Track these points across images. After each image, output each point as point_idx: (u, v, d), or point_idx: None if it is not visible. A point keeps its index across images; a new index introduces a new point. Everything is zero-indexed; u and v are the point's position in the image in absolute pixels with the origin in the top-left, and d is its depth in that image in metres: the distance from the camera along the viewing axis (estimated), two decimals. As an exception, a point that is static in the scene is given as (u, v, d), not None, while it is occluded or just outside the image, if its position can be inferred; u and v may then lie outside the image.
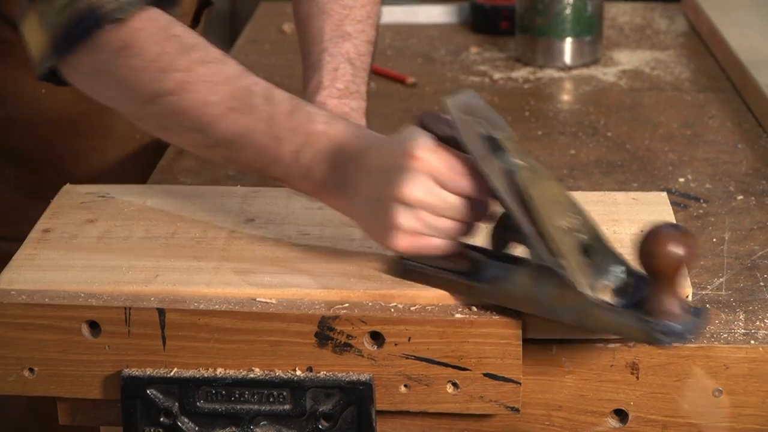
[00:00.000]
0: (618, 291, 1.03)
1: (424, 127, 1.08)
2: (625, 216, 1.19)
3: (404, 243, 1.07)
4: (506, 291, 1.06)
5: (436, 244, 1.08)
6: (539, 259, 1.04)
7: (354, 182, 1.10)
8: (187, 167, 1.47)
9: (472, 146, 1.06)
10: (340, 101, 1.29)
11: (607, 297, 1.03)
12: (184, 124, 1.15)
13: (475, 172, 1.06)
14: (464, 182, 1.06)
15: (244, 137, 1.12)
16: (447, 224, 1.07)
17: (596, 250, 1.05)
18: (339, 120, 1.13)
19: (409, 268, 1.11)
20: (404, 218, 1.06)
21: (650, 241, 0.98)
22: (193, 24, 1.63)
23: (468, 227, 1.08)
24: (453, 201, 1.06)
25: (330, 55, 1.32)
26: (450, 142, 1.07)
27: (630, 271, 1.04)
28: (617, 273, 1.04)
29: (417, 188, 1.05)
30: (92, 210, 1.23)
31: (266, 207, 1.24)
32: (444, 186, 1.06)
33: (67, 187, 1.28)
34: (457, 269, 1.09)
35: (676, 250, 0.97)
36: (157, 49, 1.14)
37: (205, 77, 1.13)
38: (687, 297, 1.08)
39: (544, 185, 1.06)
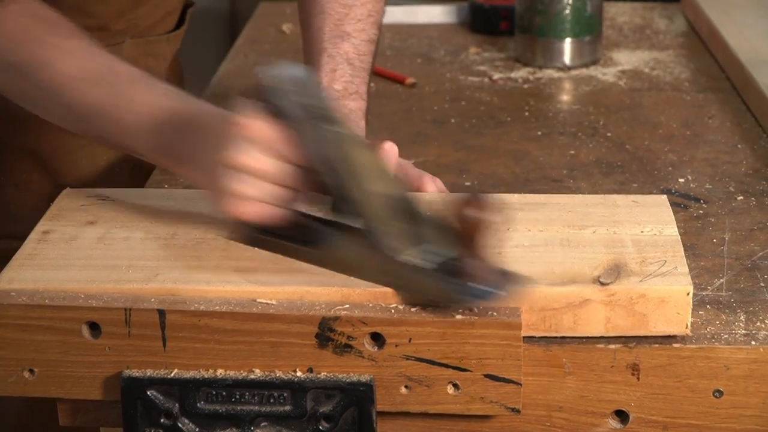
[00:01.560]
0: (436, 256, 1.06)
1: (256, 98, 1.11)
2: (625, 218, 1.19)
3: (235, 208, 1.10)
4: (335, 257, 1.09)
5: (267, 210, 1.10)
6: (357, 223, 1.07)
7: (193, 151, 1.14)
8: (186, 167, 1.46)
9: (294, 116, 1.09)
10: (339, 102, 1.29)
11: (424, 261, 1.06)
12: (37, 95, 1.22)
13: (299, 140, 1.09)
14: (289, 150, 1.09)
15: (93, 108, 1.19)
16: (276, 190, 1.10)
17: (416, 218, 1.09)
18: (178, 92, 1.19)
19: (252, 235, 1.14)
20: (232, 183, 1.09)
21: (452, 206, 1.03)
22: (179, 24, 1.64)
23: (299, 195, 1.11)
24: (279, 167, 1.09)
25: (329, 56, 1.32)
26: (275, 112, 1.10)
27: (448, 239, 1.07)
28: (436, 239, 1.08)
29: (242, 153, 1.08)
30: (92, 212, 1.22)
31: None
32: (270, 153, 1.09)
33: (68, 190, 1.27)
34: (292, 236, 1.12)
35: (474, 213, 1.02)
36: (20, 27, 1.21)
37: (62, 51, 1.20)
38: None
39: (362, 154, 1.09)
